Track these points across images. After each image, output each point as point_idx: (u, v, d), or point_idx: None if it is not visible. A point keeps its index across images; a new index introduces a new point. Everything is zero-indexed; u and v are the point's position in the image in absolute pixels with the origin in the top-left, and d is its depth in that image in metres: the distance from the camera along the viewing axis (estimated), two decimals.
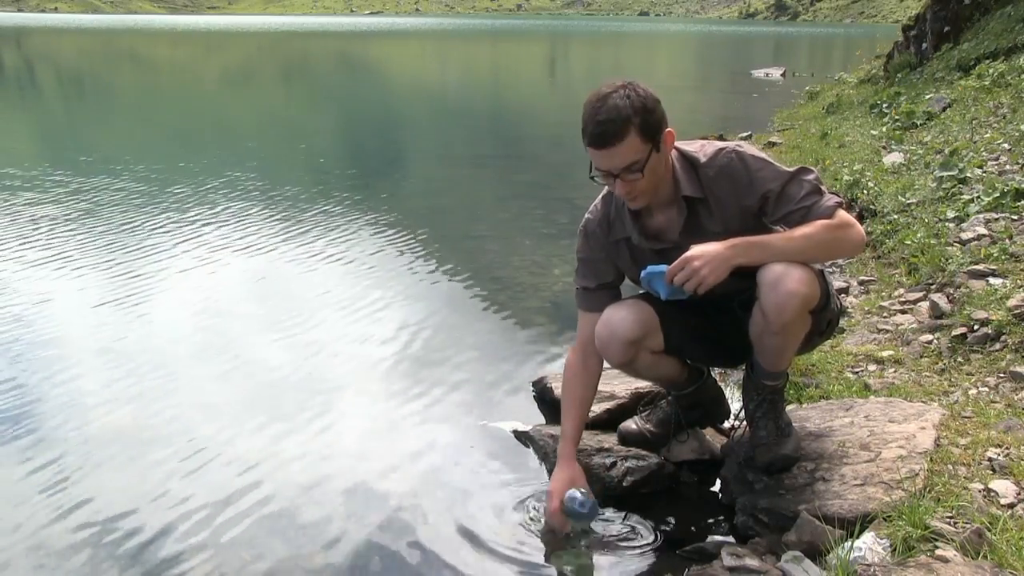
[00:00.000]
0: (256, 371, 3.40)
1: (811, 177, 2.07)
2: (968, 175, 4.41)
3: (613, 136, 1.95)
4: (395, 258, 5.03)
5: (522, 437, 2.79)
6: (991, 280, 3.13)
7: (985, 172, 4.47)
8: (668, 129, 2.04)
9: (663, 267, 2.03)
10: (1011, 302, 2.85)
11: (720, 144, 2.16)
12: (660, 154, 2.03)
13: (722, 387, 2.71)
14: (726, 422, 2.73)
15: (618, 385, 2.90)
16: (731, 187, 2.09)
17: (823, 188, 2.07)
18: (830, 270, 4.22)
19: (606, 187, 2.18)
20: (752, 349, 2.22)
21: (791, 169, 2.09)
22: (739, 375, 2.83)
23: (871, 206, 4.62)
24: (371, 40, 52.03)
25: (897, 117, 6.93)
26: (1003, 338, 2.77)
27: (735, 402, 2.78)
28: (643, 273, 2.09)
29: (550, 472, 2.56)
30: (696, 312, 2.27)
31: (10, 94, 18.52)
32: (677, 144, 2.15)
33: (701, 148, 2.16)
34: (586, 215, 2.34)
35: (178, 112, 14.95)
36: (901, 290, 3.58)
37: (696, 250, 1.97)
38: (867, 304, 3.56)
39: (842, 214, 2.05)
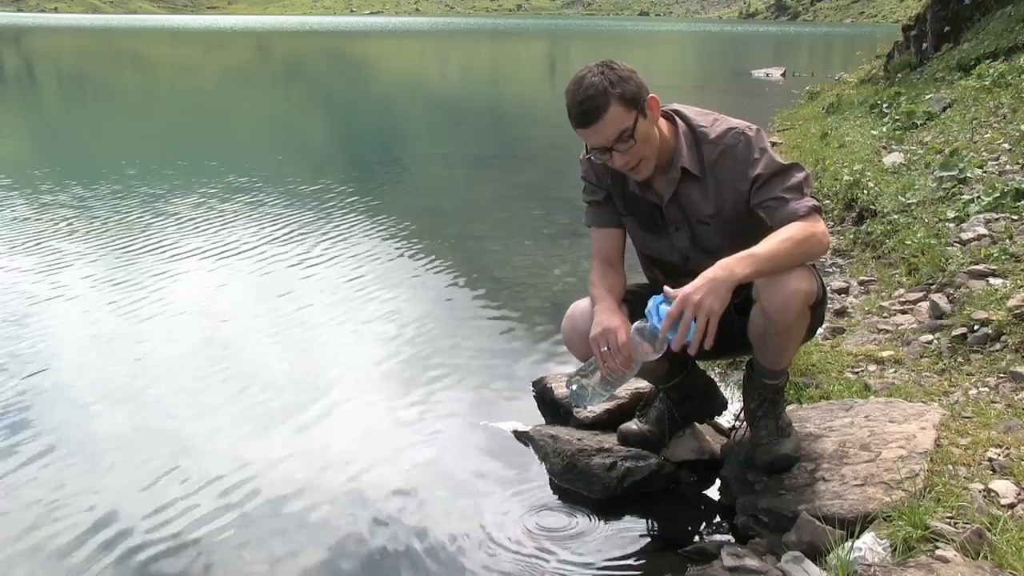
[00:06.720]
0: (255, 371, 3.40)
1: (800, 176, 2.04)
2: (968, 175, 4.41)
3: (596, 111, 1.96)
4: (395, 258, 5.03)
5: (522, 437, 2.79)
6: (991, 280, 3.13)
7: (985, 172, 4.47)
8: (650, 95, 2.03)
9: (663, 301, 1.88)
10: (1011, 302, 2.85)
11: (734, 122, 2.12)
12: (647, 119, 2.03)
13: (713, 378, 2.69)
14: (725, 419, 2.73)
15: None
16: (732, 169, 2.08)
17: (806, 189, 2.04)
18: (830, 270, 4.23)
19: None
20: (735, 344, 2.20)
21: (786, 162, 2.08)
22: (739, 375, 2.83)
23: (871, 206, 4.62)
24: (371, 40, 52.03)
25: (897, 117, 6.92)
26: (1003, 338, 2.76)
27: (735, 402, 2.78)
28: (649, 304, 1.94)
29: (550, 472, 2.57)
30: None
31: (10, 94, 18.51)
32: (689, 113, 2.15)
33: (713, 123, 2.13)
34: None
35: (177, 112, 14.96)
36: (901, 290, 3.58)
37: (688, 287, 1.86)
38: (867, 304, 3.56)
39: (816, 219, 2.01)
